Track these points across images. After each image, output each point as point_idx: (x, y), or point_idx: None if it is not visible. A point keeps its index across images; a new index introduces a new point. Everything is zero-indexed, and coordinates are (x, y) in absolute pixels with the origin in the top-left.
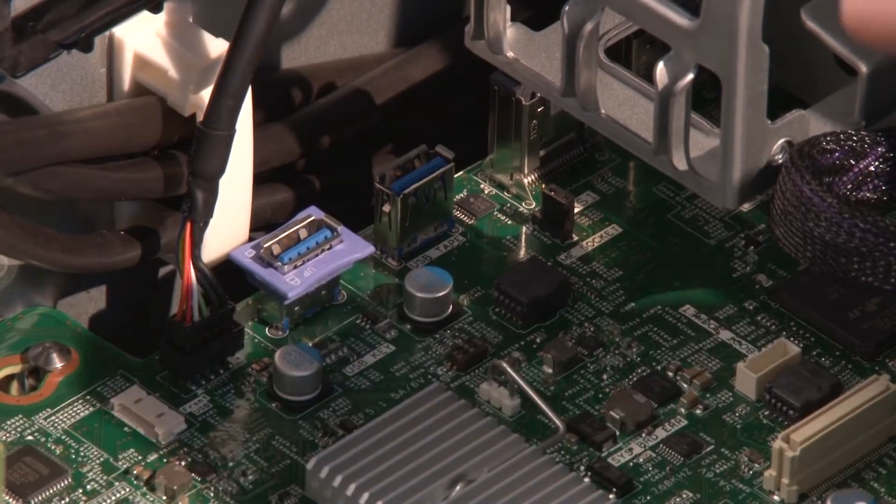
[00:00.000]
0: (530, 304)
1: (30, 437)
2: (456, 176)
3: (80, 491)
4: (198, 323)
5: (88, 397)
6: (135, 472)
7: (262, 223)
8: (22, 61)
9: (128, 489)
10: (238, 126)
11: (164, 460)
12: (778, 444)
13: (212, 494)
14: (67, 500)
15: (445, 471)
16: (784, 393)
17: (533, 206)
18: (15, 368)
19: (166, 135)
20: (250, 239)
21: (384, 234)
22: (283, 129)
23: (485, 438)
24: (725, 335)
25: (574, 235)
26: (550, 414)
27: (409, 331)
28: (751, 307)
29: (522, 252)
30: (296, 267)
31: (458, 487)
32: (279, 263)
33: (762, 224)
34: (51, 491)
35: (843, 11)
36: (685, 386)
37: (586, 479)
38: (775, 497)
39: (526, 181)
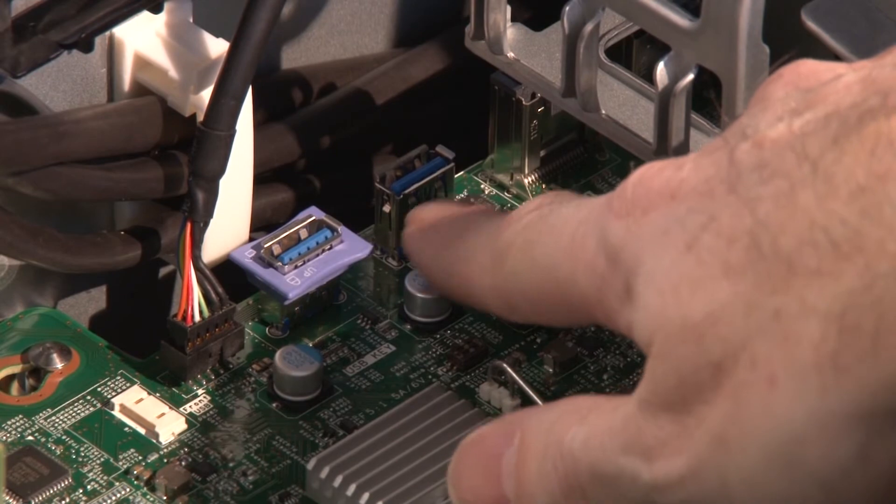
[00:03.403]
0: None
1: (30, 438)
2: (456, 176)
3: (81, 491)
4: (198, 323)
5: (88, 397)
6: (135, 472)
7: (262, 223)
8: (22, 61)
9: (128, 489)
10: (238, 126)
11: (165, 460)
12: None
13: (212, 495)
14: (68, 500)
15: (445, 471)
16: None
17: None
18: (15, 368)
19: (166, 135)
20: (251, 239)
21: (384, 234)
22: (283, 130)
23: None
24: None
25: None
26: None
27: (409, 331)
28: None
29: None
30: (296, 267)
31: None
32: (279, 263)
33: None
34: (51, 491)
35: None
36: None
37: None
38: None
39: (526, 181)
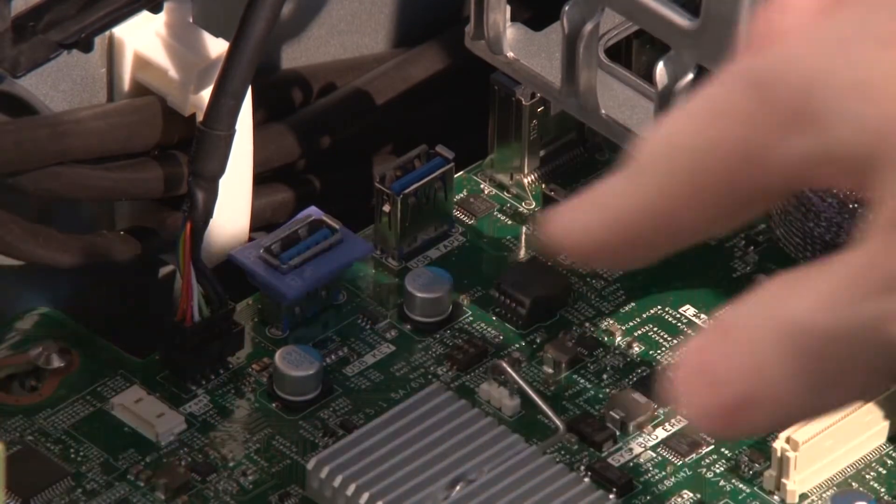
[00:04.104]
0: (531, 305)
1: (30, 437)
2: (456, 176)
3: (80, 491)
4: (198, 323)
5: (88, 397)
6: (135, 472)
7: (262, 223)
8: (22, 61)
9: (128, 489)
10: (238, 126)
11: (164, 460)
12: (778, 443)
13: (212, 494)
14: (67, 500)
15: (446, 471)
16: None
17: (533, 206)
18: (15, 369)
19: (166, 135)
20: (250, 239)
21: (384, 234)
22: (283, 129)
23: (485, 439)
24: None
25: None
26: (550, 414)
27: (409, 331)
28: None
29: (522, 252)
30: (296, 267)
31: (458, 488)
32: (279, 263)
33: (762, 224)
34: (51, 491)
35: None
36: None
37: (586, 479)
38: (775, 497)
39: (526, 181)
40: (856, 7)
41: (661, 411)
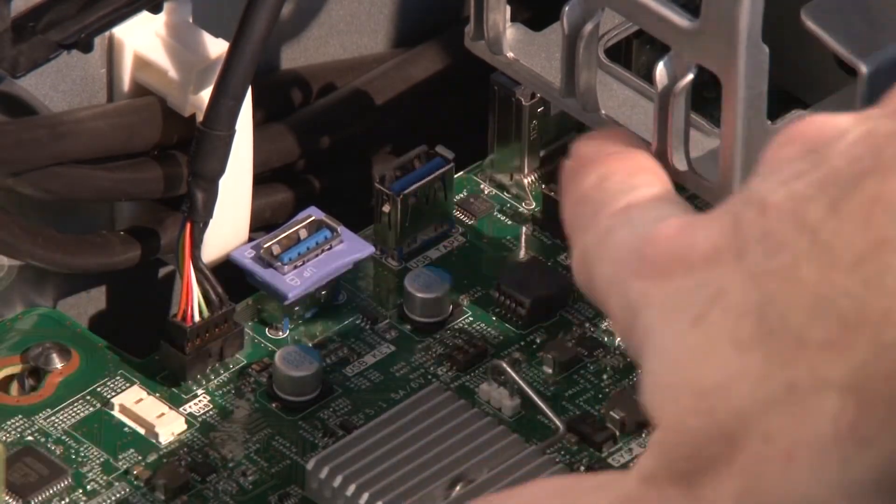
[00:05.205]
0: (531, 305)
1: (30, 438)
2: (456, 176)
3: (80, 491)
4: (198, 323)
5: (88, 397)
6: (135, 472)
7: (262, 223)
8: (22, 61)
9: (128, 489)
10: (238, 126)
11: (164, 460)
12: None
13: (211, 495)
14: (67, 500)
15: (445, 471)
16: None
17: (533, 207)
18: (15, 369)
19: (166, 135)
20: (250, 239)
21: (384, 235)
22: (283, 130)
23: (485, 439)
24: None
25: None
26: (550, 414)
27: (409, 331)
28: None
29: (522, 252)
30: (296, 267)
31: (457, 488)
32: (279, 264)
33: None
34: (51, 491)
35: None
36: None
37: None
38: None
39: (526, 181)
40: (695, 274)
41: None
